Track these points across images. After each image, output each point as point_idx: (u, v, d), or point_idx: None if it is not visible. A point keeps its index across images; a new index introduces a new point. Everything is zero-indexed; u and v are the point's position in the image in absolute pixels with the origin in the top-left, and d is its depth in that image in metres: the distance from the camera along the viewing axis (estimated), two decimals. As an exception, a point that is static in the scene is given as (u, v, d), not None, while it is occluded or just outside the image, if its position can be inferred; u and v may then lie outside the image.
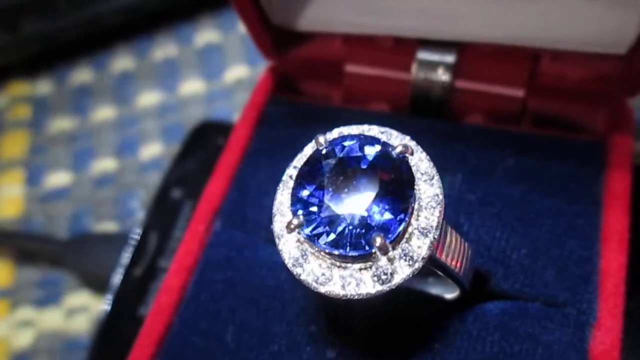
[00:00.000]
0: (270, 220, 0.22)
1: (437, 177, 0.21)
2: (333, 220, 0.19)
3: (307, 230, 0.20)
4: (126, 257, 0.36)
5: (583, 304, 0.24)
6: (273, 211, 0.21)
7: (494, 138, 0.29)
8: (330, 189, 0.20)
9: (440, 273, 0.22)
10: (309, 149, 0.22)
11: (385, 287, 0.19)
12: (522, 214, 0.26)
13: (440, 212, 0.20)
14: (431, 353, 0.24)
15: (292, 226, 0.19)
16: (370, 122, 0.23)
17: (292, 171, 0.22)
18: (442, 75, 0.30)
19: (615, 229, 0.26)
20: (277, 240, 0.21)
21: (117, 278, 0.36)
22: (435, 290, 0.25)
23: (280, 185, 0.22)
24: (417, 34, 0.30)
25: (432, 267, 0.21)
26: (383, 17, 0.30)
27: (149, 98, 0.49)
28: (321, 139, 0.21)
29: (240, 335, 0.25)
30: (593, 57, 0.29)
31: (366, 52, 0.32)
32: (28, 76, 0.52)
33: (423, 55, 0.31)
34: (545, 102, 0.30)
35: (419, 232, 0.20)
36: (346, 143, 0.21)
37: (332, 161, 0.20)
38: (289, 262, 0.20)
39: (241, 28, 0.50)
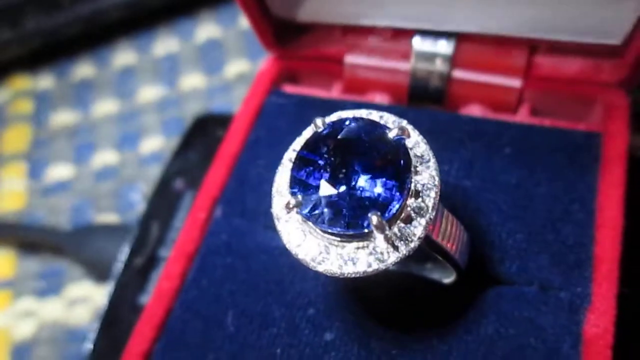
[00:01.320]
0: (269, 208, 0.22)
1: (433, 160, 0.21)
2: (330, 200, 0.20)
3: (305, 210, 0.20)
4: (127, 247, 0.37)
5: (577, 288, 0.25)
6: (272, 193, 0.22)
7: (491, 127, 0.29)
8: (328, 170, 0.20)
9: (436, 255, 0.22)
10: (308, 132, 0.22)
11: (382, 266, 0.20)
12: (517, 201, 0.27)
13: (436, 193, 0.20)
14: (429, 335, 0.24)
15: (291, 206, 0.20)
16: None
17: (291, 154, 0.22)
18: (440, 66, 0.31)
19: (609, 216, 0.26)
20: (275, 221, 0.21)
21: (118, 268, 0.36)
22: (433, 275, 0.26)
23: (280, 168, 0.22)
24: (415, 25, 0.31)
25: (427, 247, 0.21)
26: (382, 8, 0.31)
27: (149, 92, 0.49)
28: (319, 121, 0.21)
29: (240, 319, 0.26)
30: (589, 47, 0.29)
31: (365, 43, 0.32)
32: (30, 70, 0.53)
33: (421, 46, 0.31)
34: (542, 92, 0.31)
35: (415, 212, 0.20)
36: (344, 125, 0.21)
37: (330, 143, 0.21)
38: (287, 242, 0.21)
39: (241, 23, 0.51)
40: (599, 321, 0.24)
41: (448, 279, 0.25)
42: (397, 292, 0.25)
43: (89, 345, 0.35)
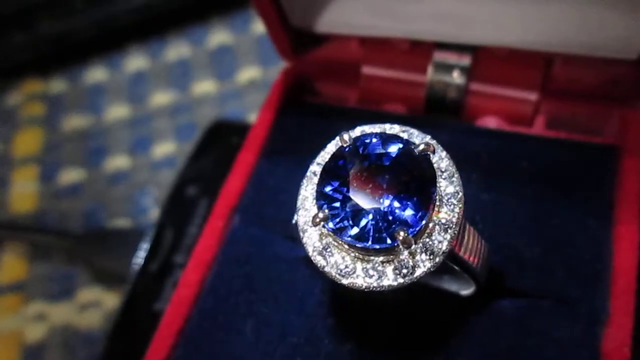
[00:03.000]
0: (287, 217, 0.22)
1: (457, 175, 0.21)
2: (357, 215, 0.20)
3: (332, 224, 0.20)
4: (142, 252, 0.37)
5: (595, 301, 0.25)
6: (297, 206, 0.22)
7: (508, 140, 0.30)
8: (354, 185, 0.20)
9: (457, 268, 0.22)
10: (332, 146, 0.23)
11: (407, 280, 0.20)
12: (535, 214, 0.27)
13: (460, 208, 0.21)
14: (447, 347, 0.24)
15: (318, 220, 0.20)
16: (387, 123, 0.23)
17: (315, 167, 0.22)
18: (457, 78, 0.31)
19: (627, 229, 0.26)
20: (301, 234, 0.22)
21: (132, 273, 0.37)
22: (451, 287, 0.26)
23: (304, 181, 0.23)
24: (432, 38, 0.31)
25: (451, 262, 0.21)
26: (399, 20, 0.31)
27: (162, 98, 0.50)
28: (345, 136, 0.21)
29: (259, 328, 0.26)
30: (605, 62, 0.29)
31: (382, 54, 0.33)
32: (42, 74, 0.53)
33: (439, 58, 0.31)
34: (558, 106, 0.31)
35: (440, 227, 0.20)
36: (369, 141, 0.21)
37: (356, 158, 0.21)
38: (313, 255, 0.21)
39: (253, 29, 0.51)
40: (616, 335, 0.24)
41: (466, 291, 0.26)
42: (415, 304, 0.26)
43: (101, 350, 0.36)
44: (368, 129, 0.23)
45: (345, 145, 0.21)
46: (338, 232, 0.20)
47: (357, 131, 0.23)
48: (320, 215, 0.20)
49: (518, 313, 0.25)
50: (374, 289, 0.20)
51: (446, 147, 0.23)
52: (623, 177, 0.28)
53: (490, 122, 0.31)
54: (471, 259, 0.22)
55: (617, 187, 0.28)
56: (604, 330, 0.24)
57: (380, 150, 0.21)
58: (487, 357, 0.24)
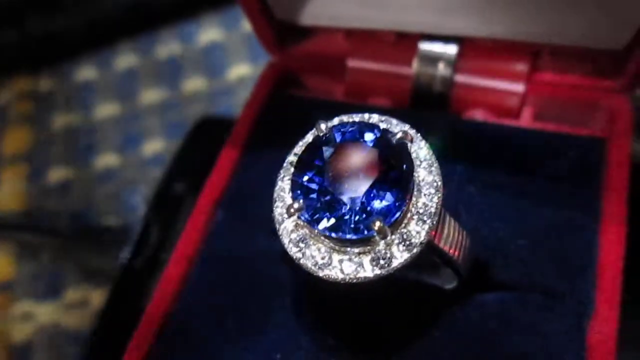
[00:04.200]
0: (270, 212, 0.22)
1: (436, 165, 0.21)
2: (333, 205, 0.20)
3: (307, 215, 0.20)
4: (127, 250, 0.37)
5: (581, 294, 0.24)
6: (274, 197, 0.22)
7: (494, 132, 0.29)
8: (330, 174, 0.20)
9: (438, 261, 0.22)
10: (309, 136, 0.22)
11: (384, 272, 0.19)
12: (520, 206, 0.27)
13: (439, 198, 0.20)
14: (430, 341, 0.24)
15: (292, 210, 0.20)
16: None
17: (292, 158, 0.22)
18: (443, 70, 0.31)
19: (613, 222, 0.26)
20: (277, 226, 0.21)
21: (118, 271, 0.36)
22: (434, 280, 0.26)
23: (281, 171, 0.22)
24: (418, 29, 0.31)
25: (430, 253, 0.21)
26: (385, 11, 0.30)
27: (151, 95, 0.49)
28: (322, 125, 0.21)
29: (240, 323, 0.26)
30: (591, 53, 0.29)
31: (368, 47, 0.32)
32: (32, 72, 0.53)
33: (424, 50, 0.31)
34: (545, 97, 0.30)
35: (418, 217, 0.20)
36: (346, 129, 0.21)
37: (332, 147, 0.20)
38: (288, 247, 0.21)
39: (244, 26, 0.51)
40: (602, 328, 0.24)
41: (449, 284, 0.25)
42: (399, 298, 0.25)
43: (87, 348, 0.35)
44: (346, 118, 0.22)
45: (322, 135, 0.21)
46: (314, 222, 0.20)
47: (335, 120, 0.22)
48: (295, 205, 0.20)
49: (503, 306, 0.25)
50: (351, 280, 0.20)
51: (432, 139, 0.22)
52: (610, 169, 0.28)
53: (477, 115, 0.31)
54: (452, 251, 0.22)
55: (604, 179, 0.27)
56: (589, 324, 0.24)
57: (357, 139, 0.20)
58: (471, 351, 0.24)
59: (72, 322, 0.41)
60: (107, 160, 0.47)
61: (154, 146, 0.47)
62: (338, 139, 0.21)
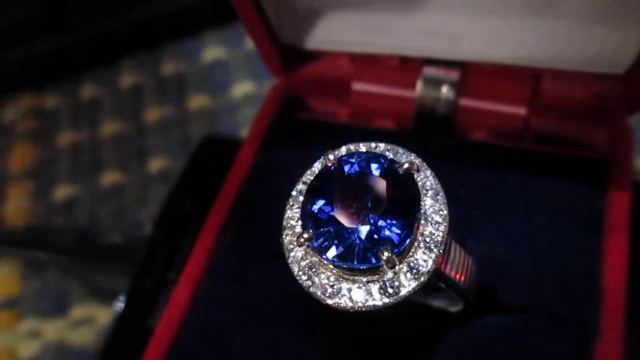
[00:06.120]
0: (278, 234, 0.22)
1: (442, 193, 0.21)
2: (341, 234, 0.20)
3: (316, 244, 0.20)
4: (134, 269, 0.37)
5: (586, 317, 0.25)
6: (283, 225, 0.22)
7: (497, 155, 0.30)
8: (339, 204, 0.20)
9: (445, 287, 0.22)
10: (317, 165, 0.23)
11: (392, 300, 0.20)
12: (525, 230, 0.27)
13: (445, 227, 0.21)
14: (436, 365, 0.24)
15: (302, 240, 0.20)
16: (376, 139, 0.23)
17: (301, 186, 0.22)
18: (447, 93, 0.31)
19: (616, 243, 0.26)
20: (286, 254, 0.22)
21: (125, 290, 0.36)
22: (439, 303, 0.26)
23: (290, 200, 0.23)
24: (422, 54, 0.31)
25: (437, 280, 0.21)
26: (389, 37, 0.31)
27: (156, 113, 0.50)
28: (330, 155, 0.21)
29: (249, 347, 0.26)
30: (593, 76, 0.30)
31: (372, 70, 0.33)
32: (37, 90, 0.53)
33: (428, 73, 0.31)
34: (547, 120, 0.31)
35: (425, 246, 0.20)
36: (354, 160, 0.21)
37: (341, 177, 0.21)
38: (298, 275, 0.21)
39: (247, 44, 0.51)
40: (607, 350, 0.24)
41: (455, 307, 0.25)
42: (404, 321, 0.25)
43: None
44: (353, 147, 0.23)
45: (330, 164, 0.21)
46: (323, 251, 0.20)
47: (343, 150, 0.23)
48: (305, 235, 0.20)
49: (508, 330, 0.25)
50: (359, 309, 0.20)
51: (435, 163, 0.23)
52: (613, 190, 0.28)
53: (480, 137, 0.31)
54: (458, 276, 0.22)
55: (607, 201, 0.28)
56: (595, 346, 0.24)
57: (364, 169, 0.21)
58: (478, 374, 0.24)
59: (78, 339, 0.41)
60: (111, 177, 0.47)
61: (159, 164, 0.47)
62: (346, 169, 0.21)
